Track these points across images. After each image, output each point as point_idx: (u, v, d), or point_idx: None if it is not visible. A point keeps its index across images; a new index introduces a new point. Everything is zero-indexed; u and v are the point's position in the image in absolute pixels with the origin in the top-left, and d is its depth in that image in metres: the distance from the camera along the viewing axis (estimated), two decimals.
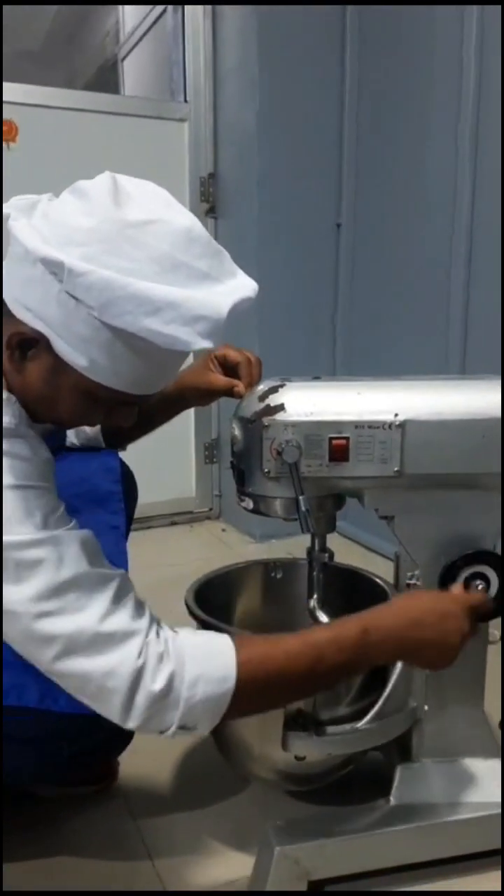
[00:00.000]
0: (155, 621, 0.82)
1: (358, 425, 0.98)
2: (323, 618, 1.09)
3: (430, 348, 2.14)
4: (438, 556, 1.04)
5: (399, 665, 1.03)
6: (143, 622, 0.80)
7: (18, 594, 0.75)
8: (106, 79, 3.90)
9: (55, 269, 0.75)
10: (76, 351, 0.79)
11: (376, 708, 1.02)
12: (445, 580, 1.03)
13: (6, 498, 0.77)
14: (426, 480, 1.01)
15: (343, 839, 1.02)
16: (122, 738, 1.02)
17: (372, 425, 0.98)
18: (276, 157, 2.43)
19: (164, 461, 2.79)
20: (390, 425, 0.98)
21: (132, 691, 0.77)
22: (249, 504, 1.05)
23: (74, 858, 1.13)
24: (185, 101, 2.68)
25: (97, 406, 0.86)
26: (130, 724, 0.79)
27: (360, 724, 1.01)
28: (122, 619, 0.79)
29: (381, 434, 0.98)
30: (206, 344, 0.77)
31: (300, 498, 0.97)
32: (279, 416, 0.99)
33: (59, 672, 0.78)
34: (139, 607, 0.82)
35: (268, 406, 1.00)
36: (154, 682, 0.77)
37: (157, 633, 0.81)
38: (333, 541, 1.13)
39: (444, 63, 2.02)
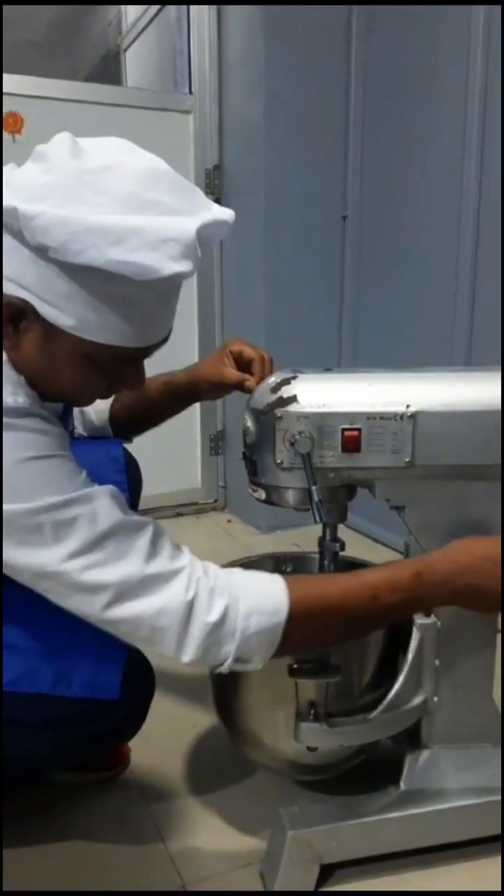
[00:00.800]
0: (198, 560, 0.85)
1: (370, 416, 0.99)
2: None
3: (436, 340, 2.15)
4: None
5: (410, 656, 1.04)
6: (185, 559, 0.83)
7: (61, 553, 0.78)
8: (109, 70, 3.88)
9: (12, 219, 0.75)
10: (61, 312, 0.79)
11: (388, 699, 1.03)
12: None
13: (33, 468, 0.79)
14: (437, 471, 1.02)
15: (355, 823, 1.04)
16: (134, 722, 1.03)
17: (384, 416, 0.99)
18: (282, 149, 2.43)
19: (170, 453, 2.80)
20: (402, 416, 0.99)
21: (185, 623, 0.80)
22: (262, 495, 1.07)
23: (87, 843, 1.15)
24: (190, 92, 2.68)
25: (99, 371, 0.86)
26: (186, 658, 0.81)
27: (372, 714, 1.02)
28: (164, 559, 0.82)
29: (392, 425, 1.00)
30: (179, 267, 0.76)
31: (313, 488, 0.98)
32: (292, 408, 1.00)
33: (111, 619, 0.80)
34: (177, 548, 0.85)
35: (280, 398, 1.01)
36: (209, 614, 0.81)
37: (206, 571, 0.84)
38: (341, 533, 1.14)
39: (451, 53, 2.02)
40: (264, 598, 0.84)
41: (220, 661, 0.84)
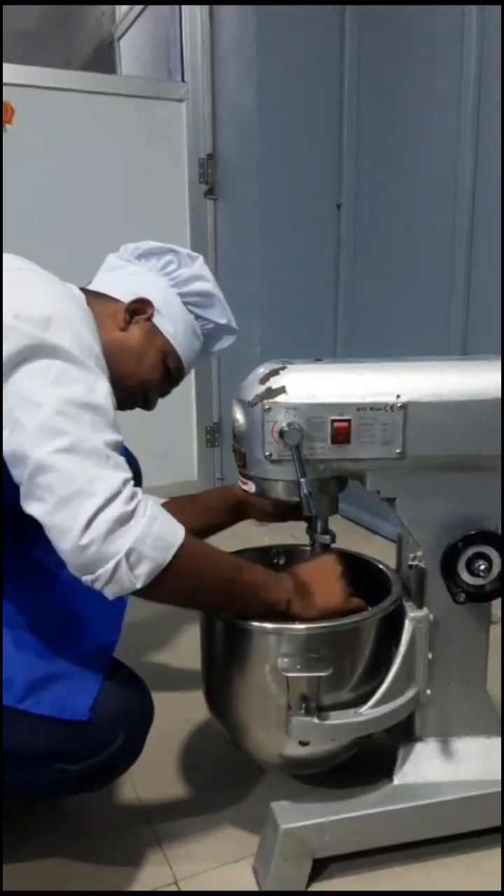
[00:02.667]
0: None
1: (360, 407, 0.98)
2: None
3: (431, 328, 2.13)
4: (440, 537, 1.04)
5: (403, 649, 1.04)
6: (129, 473, 0.90)
7: (52, 391, 0.86)
8: (103, 59, 3.85)
9: (168, 257, 1.19)
10: (168, 322, 1.16)
11: (380, 693, 1.02)
12: (448, 561, 1.03)
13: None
14: (428, 462, 1.01)
15: (347, 817, 1.03)
16: (128, 754, 1.01)
17: (374, 407, 0.98)
18: (276, 137, 2.41)
19: (167, 445, 2.80)
20: (392, 407, 0.98)
21: (106, 502, 0.84)
22: (252, 487, 1.05)
23: (79, 837, 1.14)
24: (183, 80, 2.66)
25: (161, 370, 1.16)
26: (86, 538, 0.83)
27: (364, 709, 1.01)
28: (120, 458, 0.90)
29: (382, 416, 0.98)
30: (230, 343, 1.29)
31: (302, 481, 0.97)
32: (280, 399, 0.98)
33: (51, 462, 0.84)
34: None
35: (269, 389, 0.99)
36: (125, 506, 0.86)
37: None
38: (335, 523, 1.13)
39: (446, 41, 2.00)
40: (169, 518, 0.91)
41: (111, 553, 0.84)
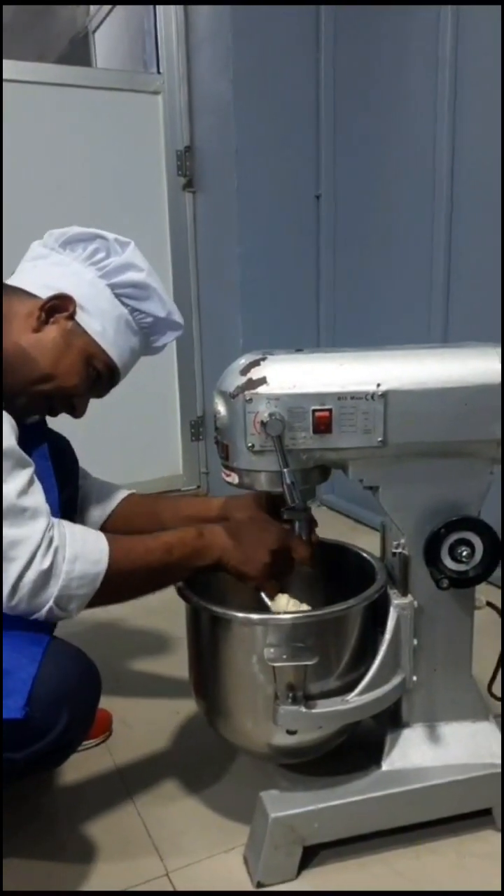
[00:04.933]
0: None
1: (341, 396, 0.98)
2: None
3: (412, 316, 2.14)
4: (423, 524, 1.04)
5: (388, 636, 1.04)
6: (47, 506, 0.91)
7: None
8: (77, 52, 3.81)
9: (99, 243, 1.08)
10: (94, 319, 1.06)
11: (366, 680, 1.03)
12: (431, 547, 1.03)
13: None
14: (410, 449, 1.02)
15: (336, 805, 1.04)
16: (75, 731, 0.98)
17: (355, 396, 0.98)
18: (253, 128, 2.40)
19: (151, 440, 2.79)
20: (373, 395, 0.98)
21: (28, 565, 0.86)
22: (234, 479, 1.05)
23: (69, 829, 1.14)
24: (159, 72, 2.64)
25: (85, 375, 1.07)
26: (14, 600, 0.87)
27: (351, 696, 1.02)
28: (35, 498, 0.90)
29: (363, 405, 0.98)
30: (176, 335, 1.16)
31: (285, 471, 0.97)
32: (262, 390, 0.98)
33: None
34: (42, 494, 0.92)
35: (250, 380, 0.99)
36: (43, 562, 0.88)
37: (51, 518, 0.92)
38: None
39: (421, 29, 2.00)
40: (89, 548, 0.92)
41: (40, 605, 0.89)
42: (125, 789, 1.23)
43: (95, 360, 1.08)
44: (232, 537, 1.05)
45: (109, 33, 3.46)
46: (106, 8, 3.38)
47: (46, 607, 0.89)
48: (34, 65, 2.51)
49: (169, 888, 1.03)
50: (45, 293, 1.04)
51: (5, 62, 2.37)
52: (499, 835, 1.09)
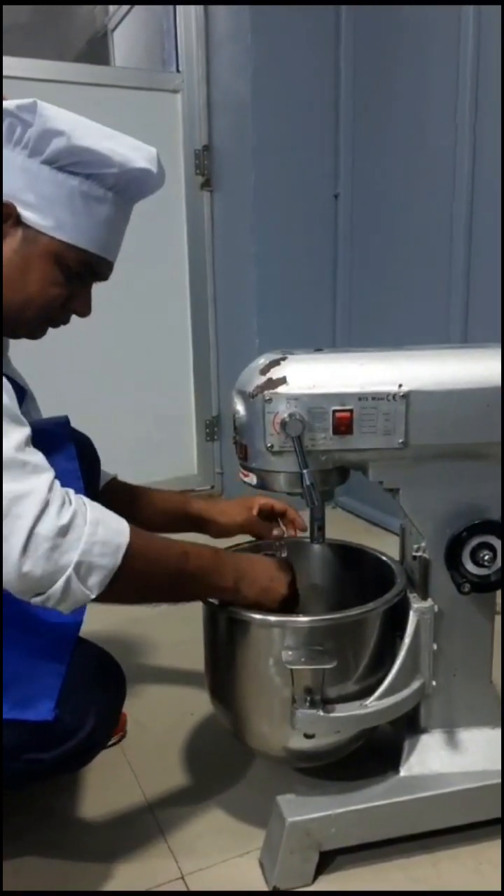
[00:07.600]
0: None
1: (361, 397, 0.97)
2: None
3: (431, 317, 2.12)
4: (444, 527, 1.03)
5: (407, 640, 1.03)
6: (51, 470, 0.84)
7: None
8: (96, 50, 3.82)
9: (23, 113, 0.88)
10: (42, 214, 0.90)
11: (385, 685, 1.02)
12: (451, 551, 1.02)
13: None
14: (431, 451, 1.00)
15: (354, 810, 1.03)
16: (101, 733, 0.99)
17: (376, 397, 0.97)
18: (272, 127, 2.39)
19: (166, 440, 2.78)
20: (394, 396, 0.97)
21: (37, 519, 0.79)
22: (253, 480, 1.04)
23: (84, 832, 1.14)
24: (178, 70, 2.63)
25: (62, 277, 0.94)
26: (27, 563, 0.78)
27: (369, 701, 1.00)
28: (36, 456, 0.83)
29: (384, 405, 0.97)
30: (148, 165, 0.95)
31: (304, 472, 0.96)
32: (281, 390, 0.97)
33: None
34: (42, 455, 0.85)
35: (269, 379, 0.98)
36: (60, 517, 0.80)
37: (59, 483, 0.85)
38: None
39: (443, 28, 1.98)
40: (110, 517, 0.86)
41: (58, 572, 0.80)
42: (140, 790, 1.23)
43: (64, 258, 0.92)
44: (247, 568, 1.02)
45: (128, 32, 3.47)
46: (125, 7, 3.39)
47: (64, 577, 0.80)
48: (53, 63, 2.50)
49: (184, 891, 1.03)
50: None
51: (24, 60, 2.37)
52: None
